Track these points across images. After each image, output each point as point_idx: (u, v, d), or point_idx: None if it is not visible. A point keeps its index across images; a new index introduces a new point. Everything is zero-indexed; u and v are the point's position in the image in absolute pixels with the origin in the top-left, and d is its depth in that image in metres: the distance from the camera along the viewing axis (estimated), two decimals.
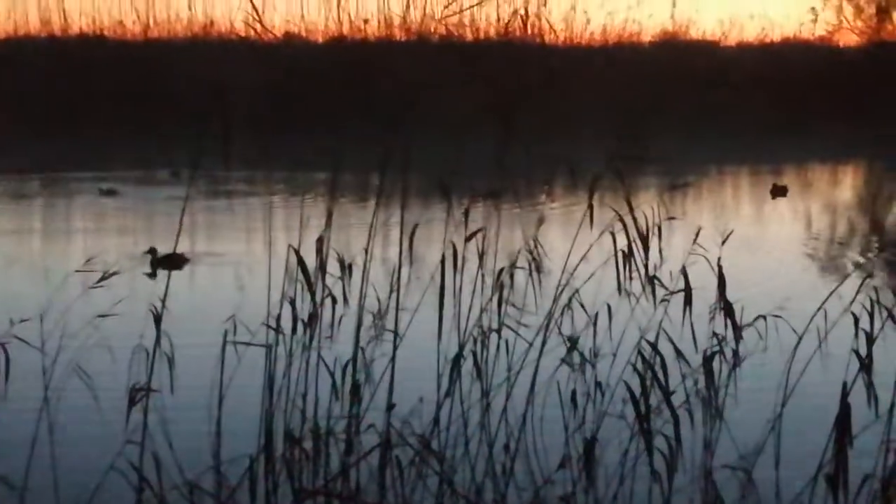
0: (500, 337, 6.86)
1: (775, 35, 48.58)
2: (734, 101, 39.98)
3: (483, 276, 6.80)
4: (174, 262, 13.25)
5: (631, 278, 6.28)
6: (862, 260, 15.38)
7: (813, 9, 47.85)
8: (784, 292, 11.23)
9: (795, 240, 17.64)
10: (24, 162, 29.18)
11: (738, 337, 6.17)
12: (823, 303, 6.21)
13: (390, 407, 6.28)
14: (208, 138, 28.22)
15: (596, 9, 71.69)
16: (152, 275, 13.49)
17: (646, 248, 6.15)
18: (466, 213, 6.69)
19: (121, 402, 6.14)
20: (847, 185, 29.63)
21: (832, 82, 42.13)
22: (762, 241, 17.28)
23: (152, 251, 13.99)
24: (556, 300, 6.50)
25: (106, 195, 22.68)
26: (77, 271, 7.74)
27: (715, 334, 6.19)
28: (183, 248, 13.81)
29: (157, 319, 6.18)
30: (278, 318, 6.40)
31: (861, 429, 5.76)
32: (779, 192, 23.75)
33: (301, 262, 6.22)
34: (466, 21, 42.13)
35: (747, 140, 36.12)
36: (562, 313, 6.57)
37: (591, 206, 6.31)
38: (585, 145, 30.26)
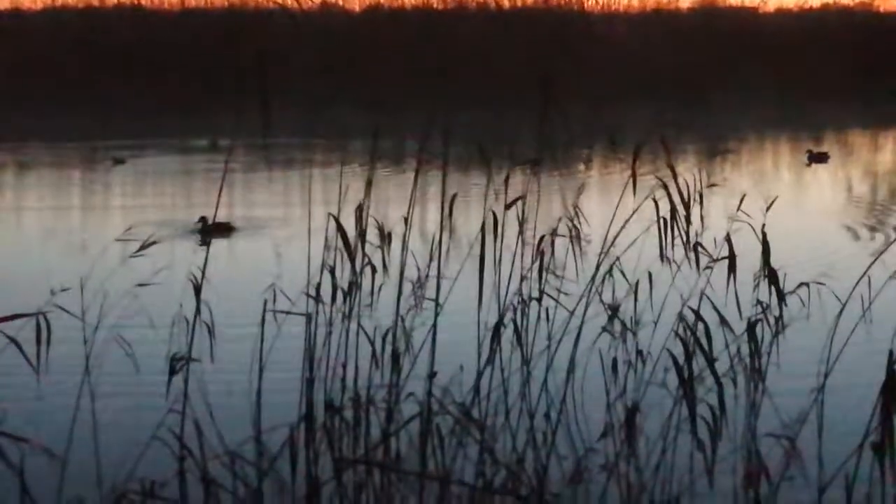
0: (540, 305, 6.82)
1: (814, 1, 48.28)
2: (774, 67, 39.69)
3: (523, 244, 6.76)
4: (222, 230, 13.33)
5: (673, 246, 6.24)
6: None
7: None
8: (827, 259, 11.14)
9: (837, 206, 17.48)
10: (57, 132, 29.22)
11: (781, 304, 6.12)
12: (867, 270, 6.14)
13: (431, 375, 6.25)
14: (246, 107, 28.25)
15: None
16: (203, 243, 13.48)
17: (688, 215, 6.11)
18: (506, 181, 6.65)
19: (162, 372, 6.13)
20: (889, 151, 29.36)
21: (872, 48, 41.73)
22: (804, 207, 17.15)
23: (203, 220, 14.02)
24: (597, 268, 6.46)
25: (117, 164, 22.69)
26: (117, 240, 7.72)
27: (758, 301, 6.13)
28: (222, 216, 13.78)
29: (197, 289, 6.16)
30: (318, 287, 6.38)
31: None
32: (818, 158, 23.51)
33: (341, 230, 6.19)
34: None
35: (787, 107, 35.85)
36: (603, 281, 6.53)
37: (634, 173, 6.27)
38: (624, 112, 30.22)
